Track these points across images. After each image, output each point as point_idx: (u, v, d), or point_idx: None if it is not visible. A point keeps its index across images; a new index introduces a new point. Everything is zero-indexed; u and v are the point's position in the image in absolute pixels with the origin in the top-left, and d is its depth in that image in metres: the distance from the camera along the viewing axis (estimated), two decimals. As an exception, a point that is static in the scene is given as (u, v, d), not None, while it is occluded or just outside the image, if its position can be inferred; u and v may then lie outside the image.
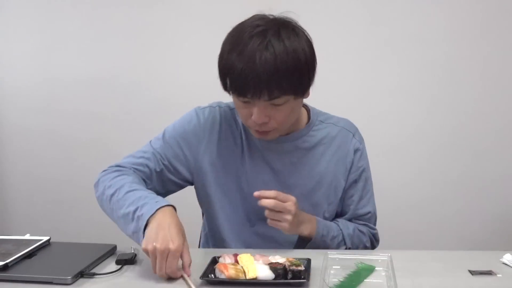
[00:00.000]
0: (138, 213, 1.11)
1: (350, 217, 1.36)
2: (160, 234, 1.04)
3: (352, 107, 2.28)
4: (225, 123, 1.32)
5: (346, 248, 1.30)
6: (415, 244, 2.30)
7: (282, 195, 1.16)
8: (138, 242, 1.10)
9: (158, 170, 1.30)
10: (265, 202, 1.15)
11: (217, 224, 1.34)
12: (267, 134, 1.22)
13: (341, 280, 1.03)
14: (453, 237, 2.35)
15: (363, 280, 1.03)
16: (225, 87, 1.17)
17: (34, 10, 2.43)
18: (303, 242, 1.28)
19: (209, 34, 2.36)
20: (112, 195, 1.20)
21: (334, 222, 1.33)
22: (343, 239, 1.30)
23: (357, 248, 1.33)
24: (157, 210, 1.09)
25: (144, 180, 1.28)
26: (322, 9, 2.26)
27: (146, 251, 1.05)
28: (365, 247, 1.35)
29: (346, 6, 2.27)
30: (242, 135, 1.31)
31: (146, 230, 1.07)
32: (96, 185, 1.30)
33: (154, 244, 1.03)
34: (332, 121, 1.35)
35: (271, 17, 1.17)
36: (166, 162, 1.30)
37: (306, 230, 1.23)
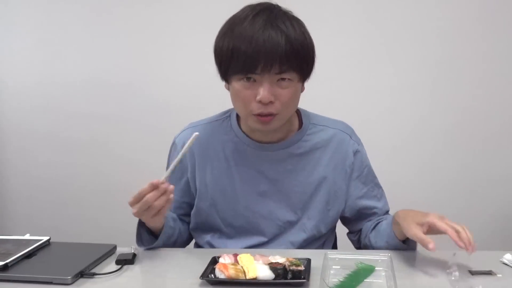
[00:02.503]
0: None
1: (382, 218, 1.31)
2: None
3: (351, 107, 2.29)
4: (202, 142, 1.27)
5: None
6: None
7: (450, 225, 1.08)
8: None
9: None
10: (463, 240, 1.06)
11: (208, 235, 1.34)
12: (270, 120, 1.15)
13: (341, 280, 1.03)
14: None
15: (363, 280, 1.03)
16: (226, 71, 1.15)
17: (34, 11, 2.43)
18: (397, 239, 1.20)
19: (209, 35, 2.36)
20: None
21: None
22: None
23: None
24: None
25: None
26: (320, 9, 2.26)
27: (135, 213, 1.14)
28: None
29: (344, 5, 2.27)
30: (225, 148, 1.28)
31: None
32: None
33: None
34: (326, 123, 1.31)
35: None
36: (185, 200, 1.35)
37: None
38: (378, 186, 1.36)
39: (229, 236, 1.31)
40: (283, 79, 1.12)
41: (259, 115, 1.14)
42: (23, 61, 2.48)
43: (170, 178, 1.28)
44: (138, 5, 2.36)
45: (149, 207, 1.11)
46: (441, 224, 1.06)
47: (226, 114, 1.32)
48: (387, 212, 1.35)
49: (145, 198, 1.10)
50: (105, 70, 2.43)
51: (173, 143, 1.35)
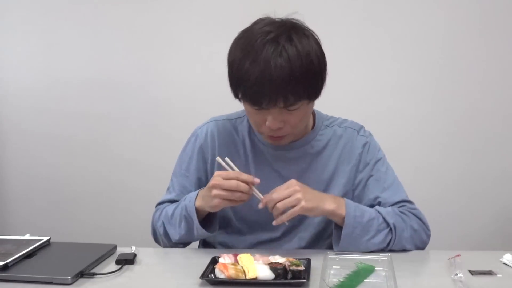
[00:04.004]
0: (184, 212, 1.23)
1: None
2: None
3: (352, 107, 2.28)
4: (224, 136, 1.32)
5: (390, 231, 1.18)
6: (415, 244, 2.31)
7: (279, 187, 1.15)
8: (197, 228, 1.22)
9: None
10: (267, 200, 1.14)
11: (223, 231, 1.34)
12: (281, 139, 1.22)
13: (341, 280, 1.03)
14: (453, 237, 2.34)
15: (363, 280, 1.03)
16: (237, 96, 1.17)
17: (34, 11, 2.43)
18: (338, 231, 1.19)
19: (209, 34, 2.38)
20: (165, 226, 1.30)
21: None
22: (384, 220, 1.19)
23: (402, 233, 1.19)
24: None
25: None
26: (321, 9, 2.26)
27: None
28: (414, 232, 1.21)
29: (346, 5, 2.27)
30: (245, 145, 1.31)
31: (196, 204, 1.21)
32: (153, 230, 1.38)
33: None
34: (336, 123, 1.35)
35: (279, 20, 1.16)
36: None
37: (330, 205, 1.16)
38: (389, 176, 1.31)
39: (241, 232, 1.32)
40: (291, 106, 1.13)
41: (270, 135, 1.20)
42: (23, 61, 2.48)
43: (188, 170, 1.33)
44: (138, 5, 2.36)
45: (232, 193, 1.13)
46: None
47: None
48: (396, 203, 1.26)
49: (239, 185, 1.12)
50: (105, 70, 2.43)
51: (195, 135, 1.36)
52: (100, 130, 2.47)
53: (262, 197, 1.16)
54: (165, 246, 1.33)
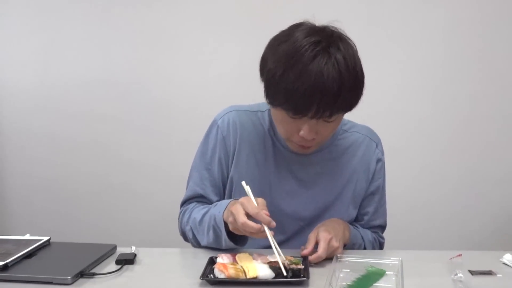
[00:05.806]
0: (212, 222, 1.19)
1: (363, 227, 1.37)
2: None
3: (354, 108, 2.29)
4: (246, 128, 1.28)
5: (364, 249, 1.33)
6: (415, 244, 2.31)
7: (323, 250, 1.11)
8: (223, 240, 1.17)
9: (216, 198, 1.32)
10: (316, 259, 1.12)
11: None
12: (309, 148, 1.20)
13: (349, 283, 1.01)
14: (453, 237, 2.35)
15: (372, 284, 1.02)
16: (273, 100, 1.11)
17: (34, 11, 2.43)
18: None
19: (211, 35, 2.38)
20: (193, 232, 1.28)
21: (355, 228, 1.33)
22: (364, 246, 1.32)
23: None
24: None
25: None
26: (321, 9, 2.25)
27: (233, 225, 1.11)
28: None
29: (346, 5, 2.26)
30: (266, 141, 1.28)
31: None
32: (182, 231, 1.36)
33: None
34: (356, 129, 1.34)
35: (321, 27, 1.13)
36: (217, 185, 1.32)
37: (345, 240, 1.23)
38: (384, 201, 1.39)
39: None
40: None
41: (301, 145, 1.17)
42: (22, 61, 2.48)
43: (211, 163, 1.30)
44: (139, 5, 2.36)
45: (244, 231, 1.09)
46: (320, 238, 1.13)
47: (268, 107, 1.29)
48: (375, 226, 1.38)
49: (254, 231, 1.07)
50: (105, 70, 2.43)
51: (215, 125, 1.31)
52: (100, 130, 2.47)
53: (272, 242, 1.08)
54: (196, 247, 1.31)
